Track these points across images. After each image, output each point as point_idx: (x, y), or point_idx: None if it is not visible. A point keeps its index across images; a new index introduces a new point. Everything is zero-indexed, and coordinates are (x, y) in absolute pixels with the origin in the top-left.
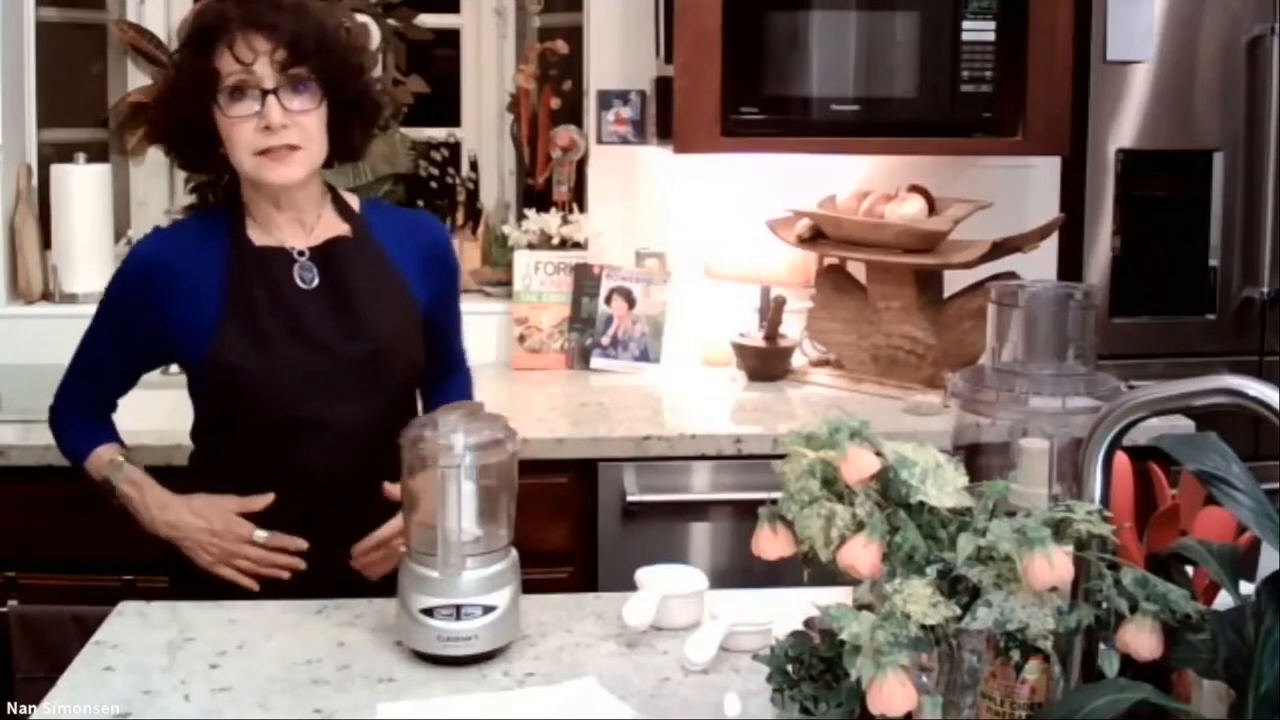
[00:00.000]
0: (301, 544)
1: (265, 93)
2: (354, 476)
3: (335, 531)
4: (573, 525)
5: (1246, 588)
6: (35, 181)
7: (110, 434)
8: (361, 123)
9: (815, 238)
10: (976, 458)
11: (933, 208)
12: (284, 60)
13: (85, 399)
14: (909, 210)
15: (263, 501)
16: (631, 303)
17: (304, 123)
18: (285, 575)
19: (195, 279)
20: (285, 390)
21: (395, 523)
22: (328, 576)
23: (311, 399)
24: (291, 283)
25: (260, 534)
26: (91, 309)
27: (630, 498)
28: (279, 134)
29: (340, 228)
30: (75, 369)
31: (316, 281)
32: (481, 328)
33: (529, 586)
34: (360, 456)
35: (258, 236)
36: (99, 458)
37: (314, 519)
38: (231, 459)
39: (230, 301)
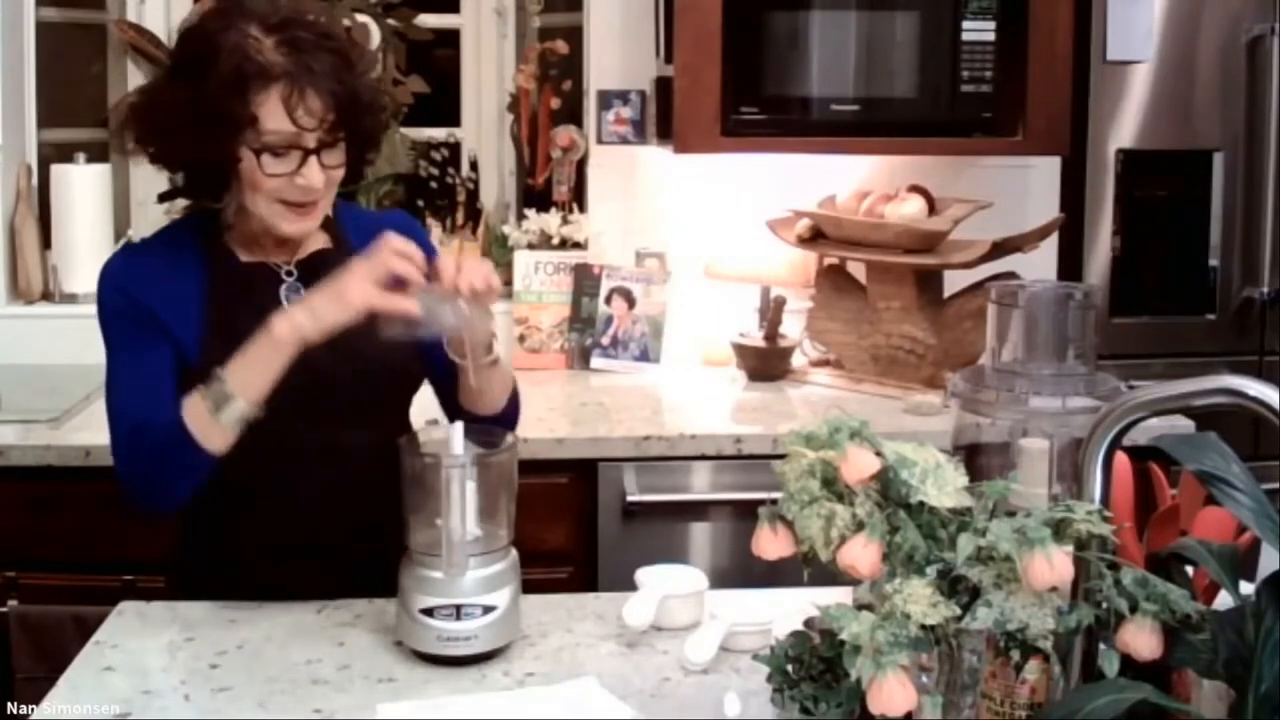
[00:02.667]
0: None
1: (307, 151)
2: (348, 499)
3: (328, 556)
4: (573, 525)
5: (1246, 588)
6: (35, 181)
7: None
8: (370, 157)
9: (815, 238)
10: (976, 458)
11: (933, 208)
12: (332, 123)
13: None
14: (909, 210)
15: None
16: (631, 303)
17: (334, 177)
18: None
19: (176, 293)
20: (273, 414)
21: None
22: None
23: (301, 422)
24: (277, 303)
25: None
26: (91, 309)
27: (630, 498)
28: (312, 193)
29: (321, 239)
30: (122, 414)
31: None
32: None
33: (529, 586)
34: (354, 478)
35: (242, 251)
36: (194, 401)
37: (306, 543)
38: (221, 483)
39: (213, 321)
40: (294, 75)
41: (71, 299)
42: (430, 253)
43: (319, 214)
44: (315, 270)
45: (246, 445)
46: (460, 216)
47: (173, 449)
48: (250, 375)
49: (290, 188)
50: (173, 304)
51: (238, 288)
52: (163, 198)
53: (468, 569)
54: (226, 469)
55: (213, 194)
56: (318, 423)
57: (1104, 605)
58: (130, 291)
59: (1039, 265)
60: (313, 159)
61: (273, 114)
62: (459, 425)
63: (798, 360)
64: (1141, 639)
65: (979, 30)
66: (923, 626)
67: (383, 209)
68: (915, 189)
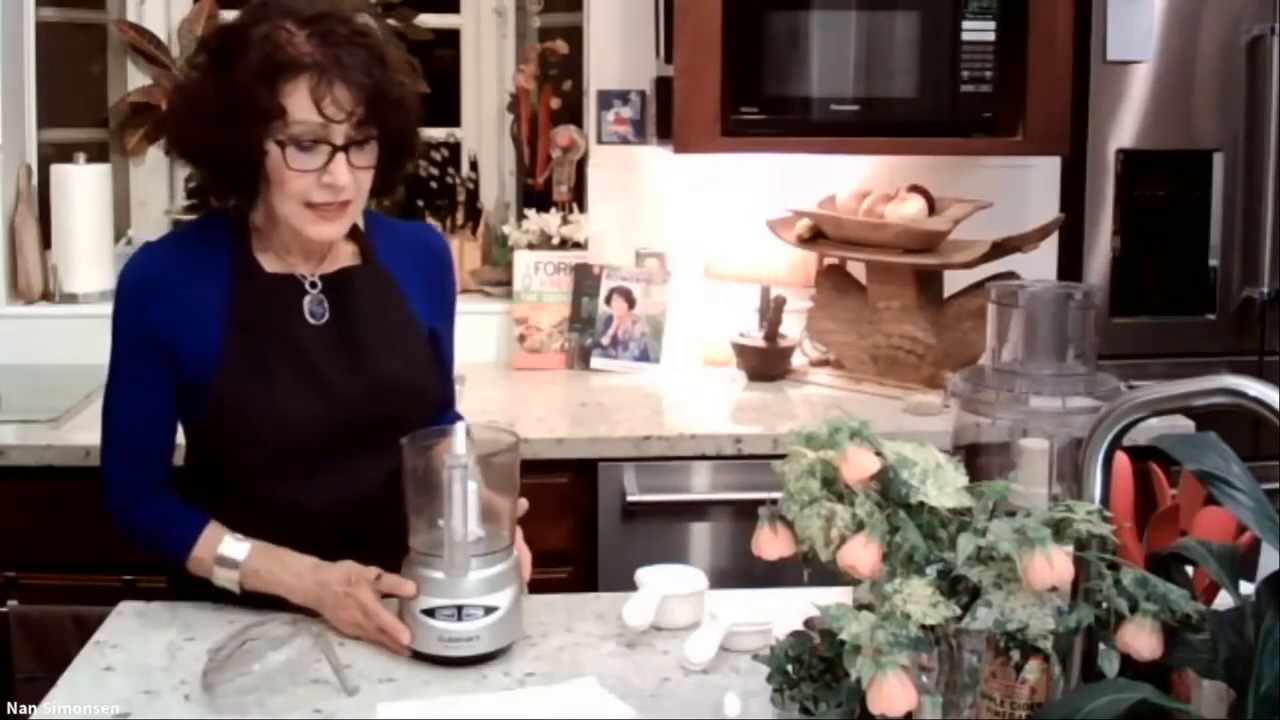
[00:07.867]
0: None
1: (335, 148)
2: (358, 518)
3: (332, 561)
4: (573, 525)
5: (1246, 588)
6: (35, 181)
7: (194, 515)
8: (404, 164)
9: (815, 238)
10: (976, 458)
11: (933, 208)
12: (361, 118)
13: (139, 468)
14: (909, 210)
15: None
16: (631, 303)
17: (362, 180)
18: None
19: (195, 300)
20: (288, 430)
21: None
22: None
23: (315, 439)
24: (300, 317)
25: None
26: (91, 309)
27: (630, 498)
28: (339, 192)
29: (349, 253)
30: (116, 432)
31: (327, 316)
32: (481, 328)
33: (529, 587)
34: (365, 498)
35: (267, 261)
36: (205, 549)
37: (311, 551)
38: (229, 497)
39: (233, 330)
40: (324, 67)
41: (71, 299)
42: (451, 282)
43: (347, 220)
44: (342, 286)
45: (255, 461)
46: (460, 216)
47: (155, 540)
48: (256, 583)
49: (316, 188)
50: (190, 313)
51: (261, 298)
52: (191, 194)
53: (469, 570)
54: (233, 484)
55: (243, 193)
56: (334, 441)
57: (1104, 605)
58: (143, 305)
59: (1039, 265)
60: (340, 157)
61: (301, 105)
62: (461, 425)
63: (798, 360)
64: (1141, 639)
65: (979, 30)
66: (923, 626)
67: (410, 219)
68: (915, 189)
